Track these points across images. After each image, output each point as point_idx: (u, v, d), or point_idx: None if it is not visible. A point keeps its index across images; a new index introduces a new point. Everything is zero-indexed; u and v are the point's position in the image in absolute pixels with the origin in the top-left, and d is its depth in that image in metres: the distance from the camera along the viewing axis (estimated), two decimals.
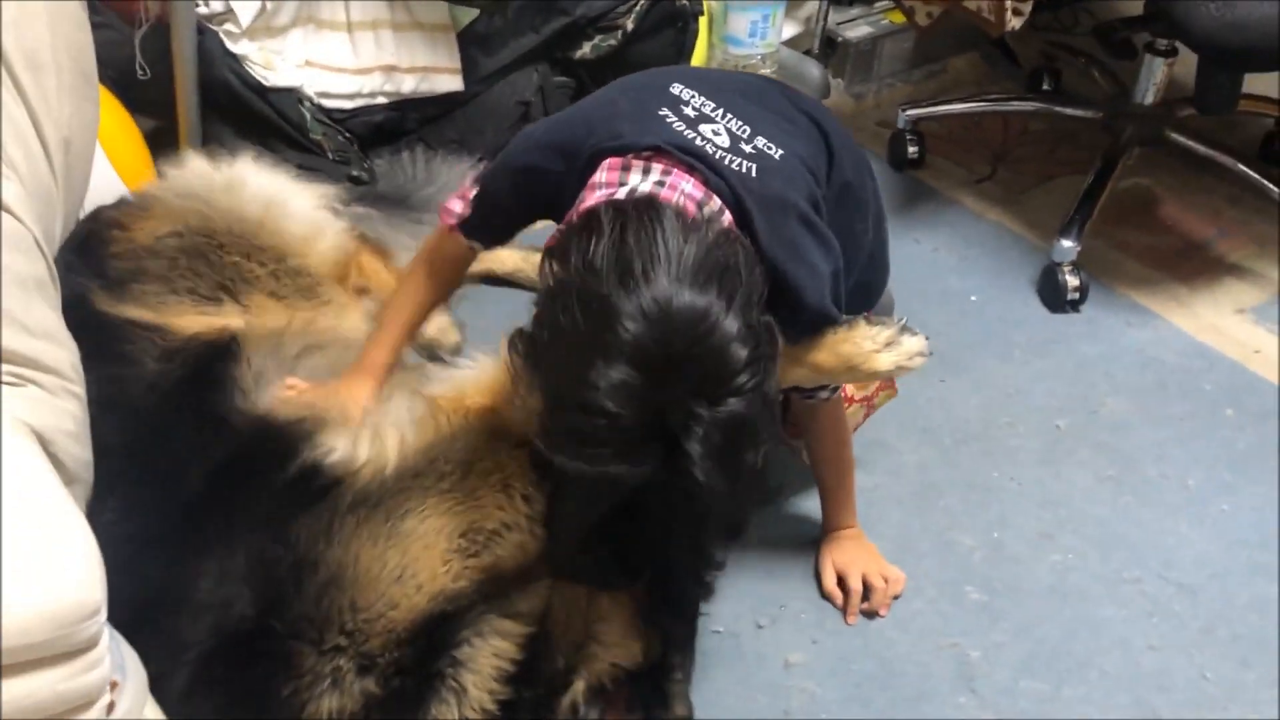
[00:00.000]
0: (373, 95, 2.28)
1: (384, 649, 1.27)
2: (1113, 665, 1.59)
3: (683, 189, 1.30)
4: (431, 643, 1.28)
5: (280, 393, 1.49)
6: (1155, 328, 2.19)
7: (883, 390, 1.77)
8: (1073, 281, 2.20)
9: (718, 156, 1.35)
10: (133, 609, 1.23)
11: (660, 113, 1.39)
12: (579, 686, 1.29)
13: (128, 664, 1.16)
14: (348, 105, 2.27)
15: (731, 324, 1.15)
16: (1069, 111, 2.62)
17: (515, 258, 2.12)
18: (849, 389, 1.70)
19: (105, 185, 1.86)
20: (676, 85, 1.44)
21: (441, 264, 1.56)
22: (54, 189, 1.54)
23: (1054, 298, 2.22)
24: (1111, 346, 2.14)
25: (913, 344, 1.43)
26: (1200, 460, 1.90)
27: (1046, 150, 2.70)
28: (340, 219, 1.75)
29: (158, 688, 1.25)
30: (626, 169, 1.33)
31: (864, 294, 1.63)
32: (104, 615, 1.02)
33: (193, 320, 1.55)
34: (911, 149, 2.60)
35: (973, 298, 2.25)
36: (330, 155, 2.18)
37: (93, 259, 1.62)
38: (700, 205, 1.29)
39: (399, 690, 1.26)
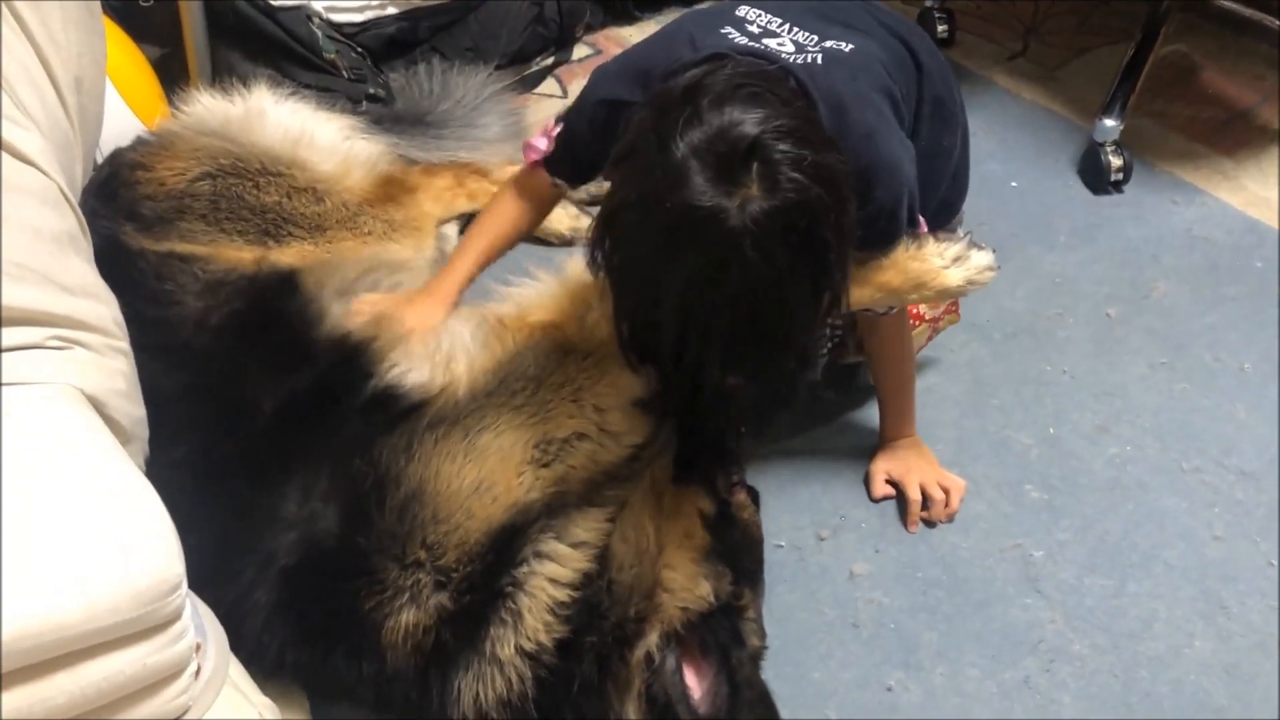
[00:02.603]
0: (382, 6, 2.19)
1: (459, 562, 1.28)
2: (1177, 557, 1.59)
3: None
4: (498, 559, 1.29)
5: (352, 308, 1.49)
6: (1202, 204, 2.13)
7: (948, 314, 1.74)
8: (1116, 161, 2.14)
9: (783, 56, 1.33)
10: (221, 525, 1.29)
11: (723, 30, 1.38)
12: (652, 638, 1.28)
13: (206, 624, 1.15)
14: (357, 18, 2.18)
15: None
16: None
17: (567, 220, 2.06)
18: (920, 308, 1.67)
19: (120, 121, 1.80)
20: (743, 8, 1.43)
21: (525, 198, 1.56)
22: (71, 133, 1.48)
23: (1097, 179, 2.16)
24: (1158, 227, 2.09)
25: (981, 259, 1.40)
26: (1255, 342, 1.87)
27: (1079, 20, 2.60)
28: (372, 143, 1.69)
29: (244, 600, 1.28)
30: None
31: (946, 213, 1.59)
32: (185, 587, 1.01)
33: (242, 252, 1.53)
34: (941, 27, 2.51)
35: (1013, 183, 2.19)
36: (346, 74, 2.10)
37: (119, 201, 1.58)
38: None
39: (468, 607, 1.27)
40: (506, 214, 1.57)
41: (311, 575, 1.30)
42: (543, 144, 1.49)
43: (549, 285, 1.51)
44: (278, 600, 1.29)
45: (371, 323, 1.46)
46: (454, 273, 1.55)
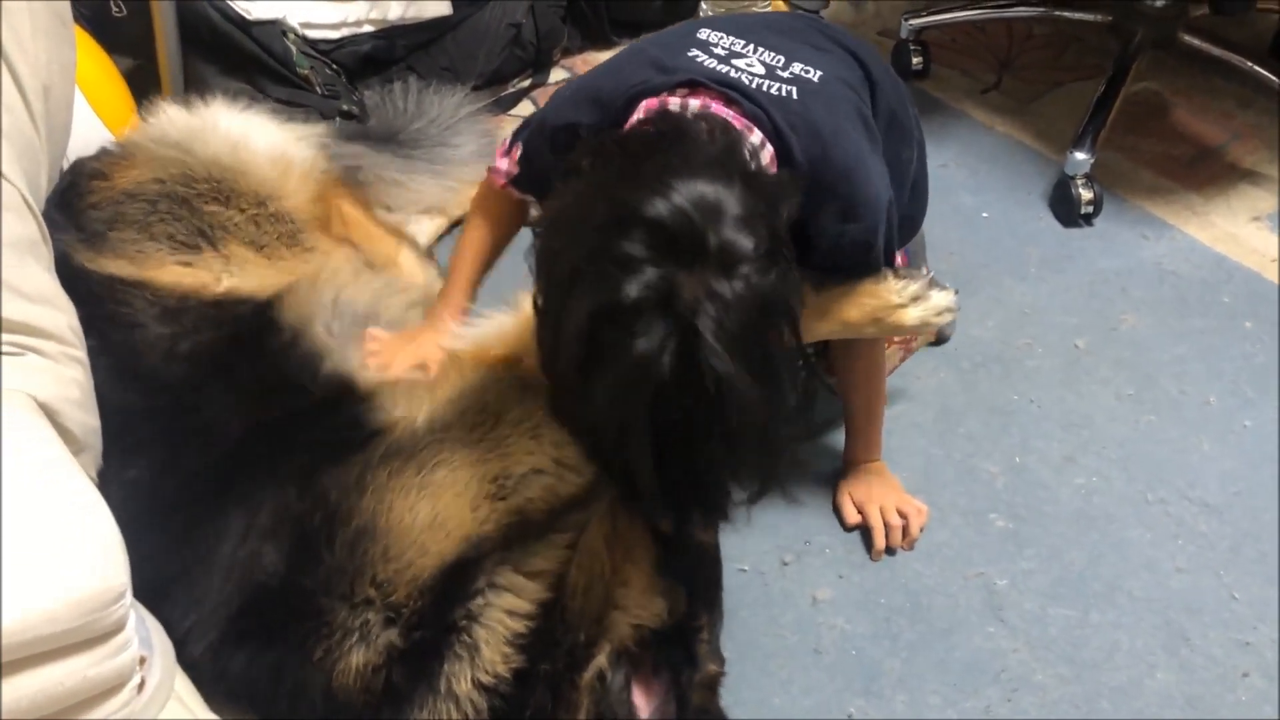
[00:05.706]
0: (358, 23, 2.19)
1: (409, 598, 1.24)
2: (1141, 588, 1.58)
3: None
4: (450, 592, 1.25)
5: (367, 348, 1.49)
6: (1171, 239, 2.14)
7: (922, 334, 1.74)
8: (1086, 195, 2.15)
9: (754, 85, 1.31)
10: (163, 562, 1.24)
11: (690, 53, 1.36)
12: (601, 659, 1.26)
13: (153, 637, 1.13)
14: (333, 35, 2.18)
15: (738, 209, 1.11)
16: (1075, 16, 2.54)
17: None
18: None
19: (88, 131, 1.79)
20: (704, 30, 1.42)
21: (493, 217, 1.57)
22: (36, 140, 1.47)
23: (1067, 212, 2.17)
24: (1127, 260, 2.10)
25: (941, 299, 1.40)
26: (1221, 375, 1.88)
27: (1053, 56, 2.62)
28: (310, 150, 1.69)
29: (186, 644, 1.24)
30: (664, 105, 1.30)
31: (907, 229, 1.59)
32: (129, 598, 0.99)
33: (171, 272, 1.51)
34: (915, 59, 2.53)
35: (984, 214, 2.21)
36: (320, 90, 2.09)
37: (71, 212, 1.56)
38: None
39: (419, 643, 1.24)
40: (483, 237, 1.57)
41: (255, 620, 1.25)
42: (504, 165, 1.50)
43: (509, 319, 1.48)
44: (220, 646, 1.25)
45: (384, 368, 1.46)
46: (449, 305, 1.55)
